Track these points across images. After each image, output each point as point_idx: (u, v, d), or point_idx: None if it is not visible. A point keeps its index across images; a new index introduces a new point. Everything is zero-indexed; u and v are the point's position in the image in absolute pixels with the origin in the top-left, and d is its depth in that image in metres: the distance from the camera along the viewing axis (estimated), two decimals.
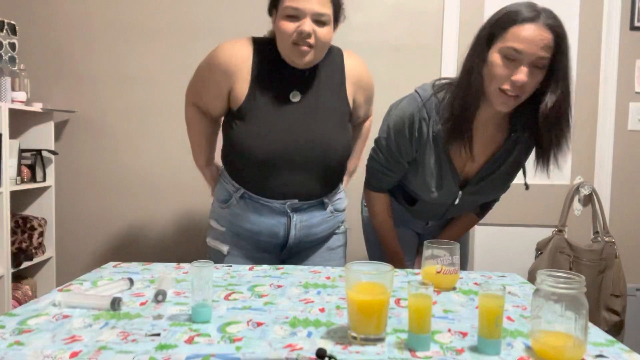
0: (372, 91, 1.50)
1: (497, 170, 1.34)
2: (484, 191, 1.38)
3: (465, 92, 1.18)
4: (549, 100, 1.14)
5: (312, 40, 1.26)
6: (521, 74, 1.10)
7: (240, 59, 1.33)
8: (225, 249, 1.41)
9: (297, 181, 1.34)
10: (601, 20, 2.41)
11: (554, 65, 1.12)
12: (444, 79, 1.31)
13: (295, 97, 1.34)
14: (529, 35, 1.08)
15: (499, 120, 1.28)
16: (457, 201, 1.36)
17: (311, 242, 1.44)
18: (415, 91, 1.31)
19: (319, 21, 1.25)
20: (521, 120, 1.25)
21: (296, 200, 1.35)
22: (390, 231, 1.48)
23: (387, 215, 1.47)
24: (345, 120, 1.40)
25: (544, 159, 1.25)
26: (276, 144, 1.30)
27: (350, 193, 1.62)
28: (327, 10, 1.26)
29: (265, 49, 1.35)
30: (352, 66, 1.41)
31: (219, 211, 1.43)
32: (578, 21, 2.40)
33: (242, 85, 1.32)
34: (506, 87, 1.13)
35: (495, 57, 1.13)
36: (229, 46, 1.35)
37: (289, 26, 1.25)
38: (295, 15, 1.24)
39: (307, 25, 1.24)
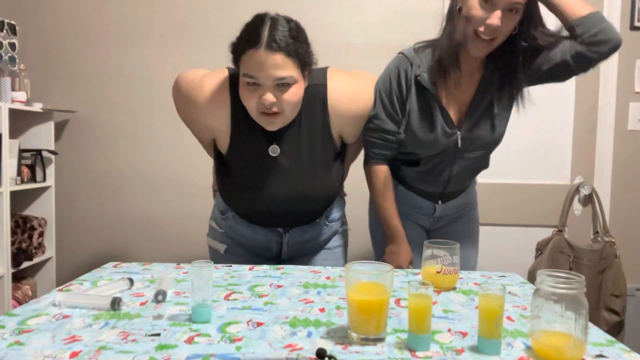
0: (363, 119, 1.35)
1: (487, 99, 1.36)
2: (482, 125, 1.38)
3: (450, 31, 1.29)
4: (526, 39, 1.23)
5: (277, 108, 1.15)
6: (495, 18, 1.17)
7: (220, 112, 1.25)
8: (222, 248, 1.44)
9: (284, 219, 1.36)
10: None
11: (529, 8, 1.20)
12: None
13: (275, 151, 1.26)
14: None
15: (479, 64, 1.34)
16: (459, 144, 1.36)
17: (306, 251, 1.45)
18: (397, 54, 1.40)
19: (282, 84, 1.14)
20: (497, 58, 1.31)
21: (287, 227, 1.39)
22: (392, 206, 1.44)
23: (388, 189, 1.44)
24: (330, 160, 1.32)
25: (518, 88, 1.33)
26: (257, 201, 1.30)
27: (351, 194, 1.62)
28: (289, 71, 1.12)
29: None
30: (336, 99, 1.27)
31: (218, 216, 1.45)
32: None
33: (224, 139, 1.28)
34: (481, 29, 1.20)
35: (473, 0, 1.21)
36: (207, 98, 1.25)
37: (250, 96, 1.15)
38: (255, 83, 1.13)
39: (268, 96, 1.13)
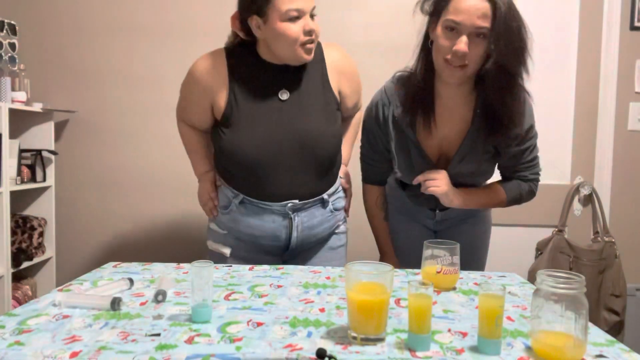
0: (358, 82, 1.49)
1: (477, 146, 1.33)
2: (469, 169, 1.36)
3: (420, 63, 1.29)
4: (492, 62, 1.17)
5: (314, 36, 1.30)
6: (461, 44, 1.16)
7: (216, 71, 1.35)
8: (227, 251, 1.41)
9: (293, 181, 1.34)
10: (601, 20, 2.41)
11: (493, 32, 1.16)
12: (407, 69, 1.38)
13: (284, 95, 1.35)
14: (465, 7, 1.15)
15: (464, 98, 1.31)
16: None
17: (312, 243, 1.45)
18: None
19: (311, 15, 1.29)
20: (484, 94, 1.27)
21: (296, 201, 1.35)
22: (380, 225, 1.53)
23: (377, 208, 1.52)
24: (333, 110, 1.40)
25: (495, 121, 1.27)
26: (264, 146, 1.31)
27: (352, 193, 1.62)
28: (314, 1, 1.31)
29: (240, 54, 1.37)
30: (333, 57, 1.42)
31: (219, 216, 1.43)
32: (578, 21, 2.40)
33: (222, 95, 1.34)
34: (449, 57, 1.19)
35: (439, 30, 1.21)
36: (202, 62, 1.38)
37: (295, 28, 1.26)
38: (297, 17, 1.26)
39: (312, 23, 1.28)
